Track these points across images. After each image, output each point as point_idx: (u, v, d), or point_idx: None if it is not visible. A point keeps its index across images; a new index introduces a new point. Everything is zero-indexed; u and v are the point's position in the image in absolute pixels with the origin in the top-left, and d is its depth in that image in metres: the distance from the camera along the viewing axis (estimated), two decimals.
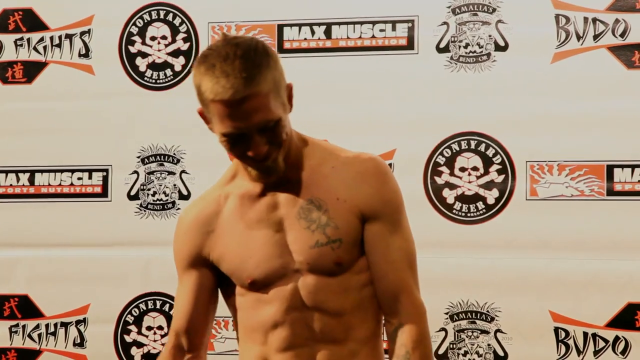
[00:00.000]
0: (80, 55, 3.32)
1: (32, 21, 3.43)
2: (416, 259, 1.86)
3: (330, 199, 1.82)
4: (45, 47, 3.39)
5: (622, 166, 3.01)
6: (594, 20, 3.07)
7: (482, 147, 3.14)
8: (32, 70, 3.39)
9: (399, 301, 1.85)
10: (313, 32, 3.21)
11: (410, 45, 3.12)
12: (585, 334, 3.14)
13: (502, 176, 3.09)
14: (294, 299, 1.82)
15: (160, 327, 3.27)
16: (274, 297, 1.83)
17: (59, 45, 3.39)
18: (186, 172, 3.26)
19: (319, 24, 3.21)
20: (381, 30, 3.16)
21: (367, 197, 1.83)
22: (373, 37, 3.18)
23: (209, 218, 1.87)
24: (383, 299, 1.87)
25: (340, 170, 1.86)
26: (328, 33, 3.21)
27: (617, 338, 3.09)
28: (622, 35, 3.05)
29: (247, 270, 1.82)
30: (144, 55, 3.32)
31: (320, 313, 1.83)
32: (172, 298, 3.25)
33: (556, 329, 3.18)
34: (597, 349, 3.16)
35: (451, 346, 3.18)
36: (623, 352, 3.05)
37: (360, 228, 1.83)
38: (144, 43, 3.33)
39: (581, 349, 3.19)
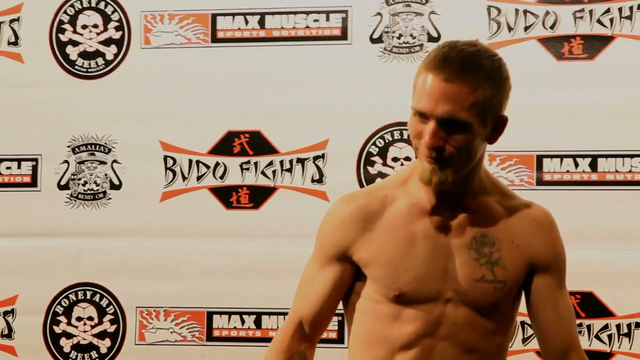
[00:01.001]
0: (9, 43, 3.22)
1: None
2: None
3: (505, 240, 1.78)
4: None
5: (552, 156, 2.99)
6: (525, 12, 3.05)
7: None
8: None
9: (569, 357, 1.80)
10: (247, 22, 3.14)
11: (343, 35, 3.07)
12: None
13: None
14: (435, 326, 1.76)
15: (90, 318, 3.17)
16: (414, 317, 1.76)
17: None
18: (117, 162, 3.18)
19: (253, 14, 3.14)
20: (315, 21, 3.11)
21: (541, 248, 1.80)
22: (307, 27, 3.12)
23: (370, 215, 1.80)
24: (552, 354, 1.82)
25: (518, 215, 1.81)
26: (262, 23, 3.14)
27: None
28: (552, 27, 3.02)
29: (398, 281, 1.76)
30: (75, 43, 3.21)
31: (455, 347, 1.78)
32: (102, 289, 3.15)
33: None
34: None
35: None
36: None
37: (524, 277, 1.79)
38: (75, 31, 3.24)
39: None
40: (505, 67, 1.75)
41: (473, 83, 1.61)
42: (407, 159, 3.04)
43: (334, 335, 3.09)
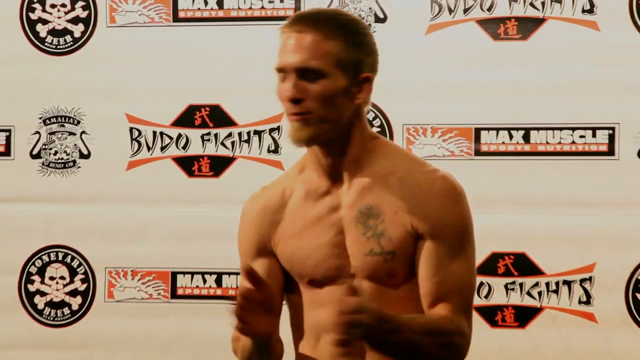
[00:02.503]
0: None
1: None
2: (472, 295, 1.75)
3: (389, 210, 1.72)
4: None
5: (488, 129, 3.01)
6: None
7: None
8: None
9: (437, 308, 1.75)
10: (206, 3, 3.14)
11: None
12: None
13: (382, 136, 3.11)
14: None
15: (62, 277, 3.18)
16: (329, 299, 1.71)
17: None
18: (86, 133, 3.19)
19: None
20: (270, 2, 3.11)
21: (426, 215, 1.71)
22: (262, 7, 3.11)
23: (275, 209, 1.77)
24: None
25: (407, 184, 1.74)
26: (220, 4, 3.14)
27: (481, 284, 3.03)
28: (489, 9, 3.02)
29: (305, 268, 1.75)
30: (45, 22, 3.22)
31: None
32: (73, 250, 3.18)
33: None
34: None
35: None
36: (486, 296, 3.01)
37: (413, 245, 1.72)
38: (44, 10, 3.24)
39: None
40: (368, 31, 1.75)
41: (324, 33, 1.60)
42: None
43: None
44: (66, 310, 3.15)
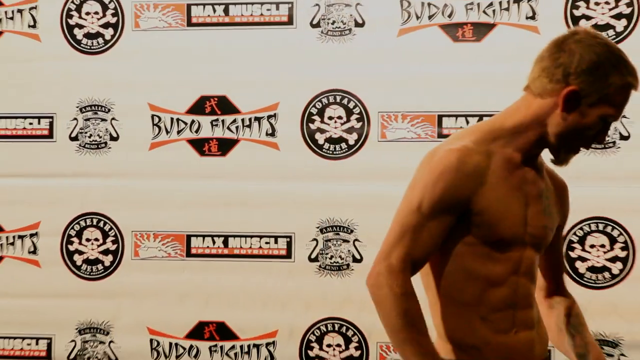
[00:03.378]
0: (29, 26, 3.42)
1: None
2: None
3: (552, 195, 1.92)
4: (0, 19, 3.47)
5: (449, 115, 3.21)
6: (429, 4, 3.24)
7: (345, 101, 3.30)
8: None
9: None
10: (214, 10, 3.32)
11: (290, 21, 3.28)
12: None
13: (360, 123, 3.26)
14: (518, 265, 1.85)
15: (96, 239, 3.40)
16: (504, 258, 1.83)
17: (12, 18, 3.41)
18: (115, 119, 3.39)
19: (220, 4, 3.32)
20: (267, 10, 3.30)
21: (566, 208, 2.01)
22: (261, 14, 3.31)
23: (483, 170, 1.81)
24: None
25: (552, 177, 1.97)
26: (226, 11, 3.32)
27: None
28: (449, 16, 3.21)
29: (500, 228, 1.82)
30: (81, 26, 3.41)
31: (529, 281, 1.89)
32: (105, 217, 3.40)
33: None
34: None
35: (321, 252, 3.30)
36: None
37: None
38: (80, 17, 3.43)
39: None
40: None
41: None
42: (339, 117, 3.26)
43: (283, 252, 3.32)
44: (100, 267, 3.39)
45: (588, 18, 3.13)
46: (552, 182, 1.96)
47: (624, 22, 3.18)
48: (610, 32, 3.13)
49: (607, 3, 3.16)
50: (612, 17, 3.17)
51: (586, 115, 1.75)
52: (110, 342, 3.39)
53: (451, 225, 1.79)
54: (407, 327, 1.72)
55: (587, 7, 3.11)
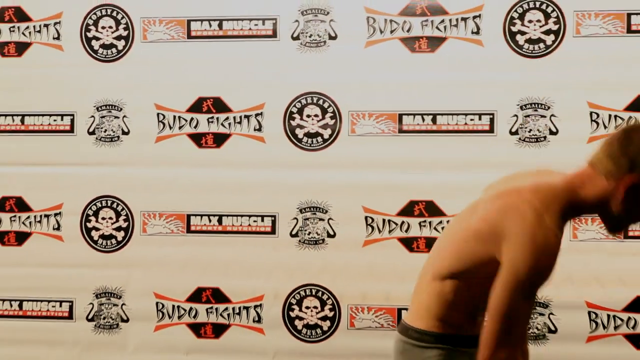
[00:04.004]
0: (53, 38, 3.53)
1: (20, 15, 3.59)
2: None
3: None
4: (30, 33, 3.59)
5: (408, 114, 3.35)
6: (391, 20, 3.34)
7: (320, 102, 3.41)
8: (21, 48, 3.55)
9: None
10: (210, 25, 3.45)
11: (274, 35, 3.42)
12: (383, 220, 3.36)
13: (333, 120, 3.38)
14: None
15: (110, 218, 3.52)
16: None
17: (39, 32, 3.55)
18: (126, 117, 3.53)
19: (215, 20, 3.45)
20: (255, 25, 3.42)
21: None
22: (250, 29, 3.43)
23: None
24: None
25: None
26: (220, 26, 3.46)
27: (402, 222, 3.34)
28: (408, 30, 3.34)
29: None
30: (97, 38, 3.52)
31: None
32: (117, 199, 3.51)
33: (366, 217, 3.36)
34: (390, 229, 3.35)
35: (300, 229, 3.40)
36: (406, 231, 3.42)
37: None
38: (97, 30, 3.54)
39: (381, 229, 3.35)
40: None
41: None
42: (316, 115, 3.38)
43: (268, 229, 3.43)
44: (113, 241, 3.52)
45: (523, 33, 3.23)
46: None
47: (552, 37, 3.26)
48: (541, 45, 3.26)
49: (538, 21, 3.24)
50: (542, 32, 3.25)
51: (632, 201, 1.81)
52: (123, 304, 3.50)
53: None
54: None
55: (522, 24, 3.25)
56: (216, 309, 3.43)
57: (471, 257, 1.98)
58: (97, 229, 3.51)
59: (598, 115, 3.23)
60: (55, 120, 3.53)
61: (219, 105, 3.44)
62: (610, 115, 3.24)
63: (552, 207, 1.87)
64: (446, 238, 2.17)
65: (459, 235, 2.08)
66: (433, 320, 2.02)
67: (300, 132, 3.39)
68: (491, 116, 3.29)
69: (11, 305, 3.55)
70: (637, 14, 3.28)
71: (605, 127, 3.24)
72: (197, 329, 3.45)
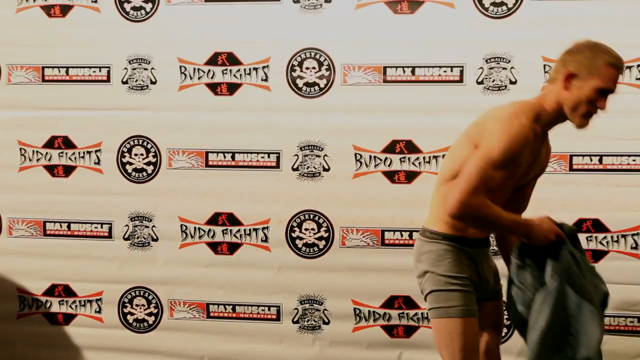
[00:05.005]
0: (92, 1, 3.57)
1: None
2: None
3: (544, 154, 2.28)
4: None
5: (392, 67, 3.35)
6: None
7: (317, 56, 3.44)
8: (65, 9, 3.56)
9: None
10: None
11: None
12: (369, 156, 3.39)
13: (328, 72, 3.41)
14: (531, 186, 2.38)
15: (142, 154, 3.54)
16: (526, 185, 2.34)
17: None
18: (154, 69, 3.57)
19: None
20: None
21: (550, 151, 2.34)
22: None
23: (531, 140, 2.15)
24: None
25: (547, 141, 2.29)
26: None
27: None
28: None
29: (524, 175, 2.26)
30: (129, 2, 3.58)
31: (529, 193, 2.41)
32: (149, 139, 3.55)
33: None
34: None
35: (300, 164, 3.40)
36: None
37: None
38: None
39: None
40: None
41: None
42: (313, 67, 3.40)
43: (274, 164, 3.43)
44: (144, 174, 3.57)
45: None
46: (546, 145, 2.27)
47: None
48: (504, 7, 3.27)
49: None
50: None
51: (583, 88, 2.05)
52: (153, 226, 3.63)
53: (513, 171, 2.14)
54: (497, 218, 2.11)
55: None
56: (230, 230, 3.54)
57: (464, 157, 2.19)
58: (130, 164, 3.60)
59: (551, 67, 3.06)
60: (94, 72, 3.60)
61: (232, 59, 3.48)
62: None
63: (527, 112, 2.10)
64: (450, 148, 2.37)
65: (456, 143, 2.32)
66: (442, 223, 2.24)
67: (300, 82, 3.44)
68: (461, 68, 3.33)
69: (61, 227, 3.68)
70: None
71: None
72: (215, 247, 3.56)
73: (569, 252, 2.16)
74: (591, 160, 3.28)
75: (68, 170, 3.67)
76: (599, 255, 3.22)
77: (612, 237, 3.29)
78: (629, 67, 3.13)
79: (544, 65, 3.27)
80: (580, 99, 2.06)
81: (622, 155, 3.27)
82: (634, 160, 3.28)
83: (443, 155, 3.16)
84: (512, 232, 2.23)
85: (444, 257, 2.24)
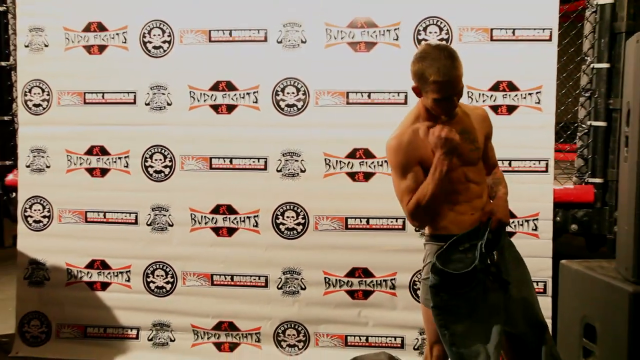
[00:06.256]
0: (122, 42, 3.53)
1: (102, 27, 3.60)
2: None
3: (472, 128, 2.06)
4: (106, 38, 3.61)
5: (353, 92, 3.36)
6: (340, 30, 3.31)
7: (296, 84, 3.42)
8: (101, 49, 3.57)
9: (495, 169, 2.20)
10: (224, 33, 3.47)
11: (265, 40, 3.44)
12: (336, 161, 3.44)
13: (304, 95, 3.38)
14: (463, 176, 2.08)
15: (160, 159, 3.53)
16: (454, 175, 2.04)
17: (113, 38, 3.54)
18: (170, 94, 3.56)
19: (227, 30, 3.48)
20: (253, 33, 3.45)
21: (487, 127, 2.13)
22: (250, 36, 3.47)
23: (415, 141, 2.03)
24: (490, 169, 2.16)
25: (472, 114, 2.10)
26: (231, 34, 3.47)
27: None
28: (352, 37, 3.33)
29: None
30: (150, 42, 3.54)
31: (474, 184, 2.08)
32: (166, 147, 3.55)
33: None
34: None
35: (283, 166, 3.40)
36: None
37: (484, 142, 2.11)
38: (149, 37, 3.52)
39: None
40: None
41: (459, 62, 1.92)
42: (293, 92, 3.40)
43: (262, 166, 3.42)
44: (162, 174, 3.57)
45: (425, 40, 3.24)
46: (471, 118, 2.07)
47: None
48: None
49: (436, 32, 3.22)
50: (438, 38, 3.22)
51: (427, 98, 2.00)
52: (169, 215, 3.64)
53: (421, 171, 2.00)
54: (427, 192, 1.98)
55: (425, 34, 3.28)
56: (229, 218, 3.56)
57: None
58: (151, 166, 3.65)
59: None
60: (124, 96, 3.64)
61: (230, 86, 3.52)
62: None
63: (397, 129, 2.06)
64: None
65: None
66: (431, 226, 2.14)
67: (282, 104, 3.48)
68: (405, 94, 3.38)
69: (98, 215, 3.75)
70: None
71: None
72: (217, 231, 3.59)
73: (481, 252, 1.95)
74: (503, 164, 3.21)
75: (104, 172, 3.70)
76: (509, 235, 3.11)
77: (517, 221, 3.35)
78: None
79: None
80: (430, 105, 2.04)
81: (528, 160, 3.33)
82: (534, 164, 3.37)
83: None
84: (441, 185, 1.99)
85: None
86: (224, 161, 3.55)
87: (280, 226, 3.56)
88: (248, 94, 3.51)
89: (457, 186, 2.03)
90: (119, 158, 3.66)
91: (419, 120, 2.05)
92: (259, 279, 3.60)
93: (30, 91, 3.71)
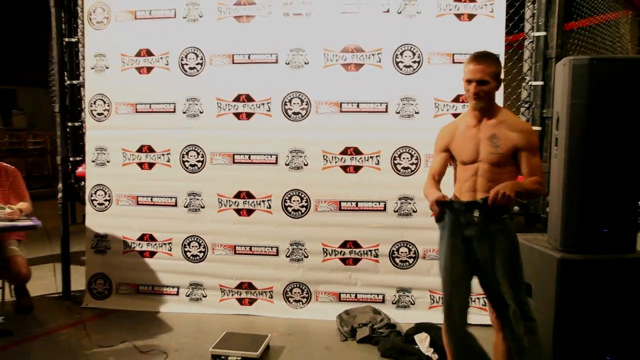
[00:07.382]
0: (165, 64, 3.61)
1: (149, 53, 3.69)
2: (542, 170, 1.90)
3: (502, 136, 1.98)
4: (153, 61, 3.66)
5: (345, 103, 3.42)
6: (335, 54, 3.38)
7: (300, 96, 3.48)
8: (149, 70, 3.65)
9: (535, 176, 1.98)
10: (243, 57, 3.52)
11: (276, 61, 3.50)
12: (332, 157, 3.51)
13: (307, 105, 3.45)
14: (476, 171, 2.02)
15: (194, 155, 3.64)
16: (468, 169, 2.02)
17: (167, 64, 3.56)
18: (201, 104, 3.61)
19: (245, 54, 3.52)
20: (264, 56, 3.47)
21: (520, 139, 1.99)
22: (263, 60, 3.52)
23: (453, 131, 2.07)
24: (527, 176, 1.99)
25: (509, 123, 2.01)
26: (249, 57, 3.53)
27: None
28: (345, 59, 3.39)
29: (462, 156, 2.07)
30: (187, 64, 3.60)
31: (485, 179, 2.00)
32: (199, 146, 3.64)
33: None
34: None
35: (291, 160, 3.50)
36: None
37: (512, 151, 1.99)
38: (185, 61, 3.58)
39: None
40: (500, 60, 2.04)
41: (488, 63, 1.93)
42: (298, 103, 3.42)
43: (274, 161, 3.51)
44: (196, 167, 3.65)
45: (402, 62, 3.33)
46: (508, 128, 2.00)
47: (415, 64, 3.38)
48: (410, 69, 3.29)
49: (410, 57, 3.38)
50: (412, 61, 3.38)
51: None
52: (202, 199, 3.70)
53: (447, 157, 2.07)
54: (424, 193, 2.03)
55: (401, 57, 3.35)
56: (248, 201, 3.69)
57: None
58: (187, 161, 3.78)
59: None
60: (166, 106, 3.77)
61: (249, 98, 3.64)
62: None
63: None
64: None
65: None
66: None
67: (290, 112, 3.59)
68: (386, 104, 3.50)
69: (147, 199, 3.86)
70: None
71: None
72: (238, 212, 3.71)
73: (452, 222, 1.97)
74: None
75: (151, 165, 3.84)
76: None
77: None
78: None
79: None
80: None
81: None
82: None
83: (378, 156, 3.36)
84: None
85: None
86: (244, 157, 3.66)
87: (288, 208, 3.64)
88: (263, 104, 3.61)
89: (465, 175, 2.07)
90: (163, 155, 3.78)
91: (464, 118, 2.11)
92: (272, 249, 3.68)
93: (94, 103, 3.83)
